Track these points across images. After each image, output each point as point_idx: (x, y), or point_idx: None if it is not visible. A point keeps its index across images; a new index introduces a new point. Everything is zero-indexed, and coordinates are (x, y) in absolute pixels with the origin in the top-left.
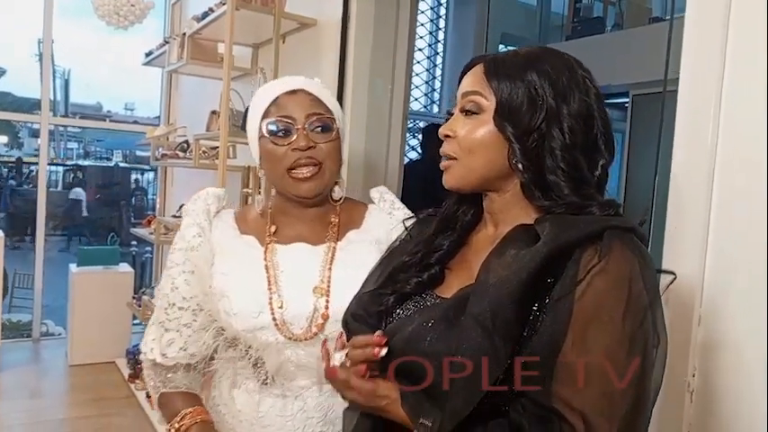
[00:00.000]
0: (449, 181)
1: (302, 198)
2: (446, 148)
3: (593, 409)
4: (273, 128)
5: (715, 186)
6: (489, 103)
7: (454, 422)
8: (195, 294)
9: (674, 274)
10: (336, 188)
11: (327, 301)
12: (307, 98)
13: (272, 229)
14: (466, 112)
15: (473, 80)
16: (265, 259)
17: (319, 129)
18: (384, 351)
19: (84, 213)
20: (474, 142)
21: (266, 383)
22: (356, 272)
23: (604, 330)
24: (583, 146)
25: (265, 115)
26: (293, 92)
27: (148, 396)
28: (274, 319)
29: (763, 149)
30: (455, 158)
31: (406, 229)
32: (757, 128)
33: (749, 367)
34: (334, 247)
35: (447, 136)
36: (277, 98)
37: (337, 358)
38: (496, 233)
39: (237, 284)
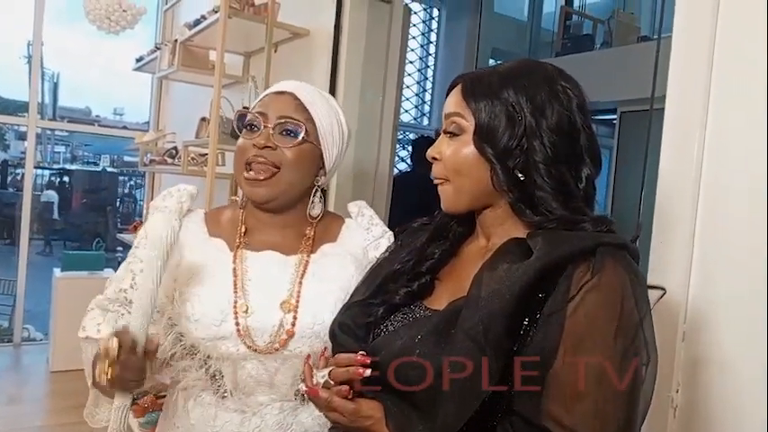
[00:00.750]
0: (445, 206)
1: (255, 203)
2: (435, 171)
3: (585, 427)
4: (245, 119)
5: (700, 204)
6: (469, 123)
7: None
8: (156, 294)
9: (663, 289)
10: (316, 205)
11: (295, 318)
12: (291, 102)
13: (243, 229)
14: (449, 134)
15: (454, 101)
16: (234, 263)
17: (284, 132)
18: (368, 372)
19: (55, 216)
20: (458, 164)
21: (224, 397)
22: (328, 286)
23: (596, 348)
24: (566, 159)
25: (250, 110)
26: (281, 93)
27: (132, 403)
28: (237, 324)
29: (749, 168)
30: (445, 179)
31: (396, 237)
32: (742, 146)
33: (732, 383)
34: (307, 260)
35: (434, 158)
36: (266, 96)
37: (319, 377)
38: (488, 245)
39: (201, 289)
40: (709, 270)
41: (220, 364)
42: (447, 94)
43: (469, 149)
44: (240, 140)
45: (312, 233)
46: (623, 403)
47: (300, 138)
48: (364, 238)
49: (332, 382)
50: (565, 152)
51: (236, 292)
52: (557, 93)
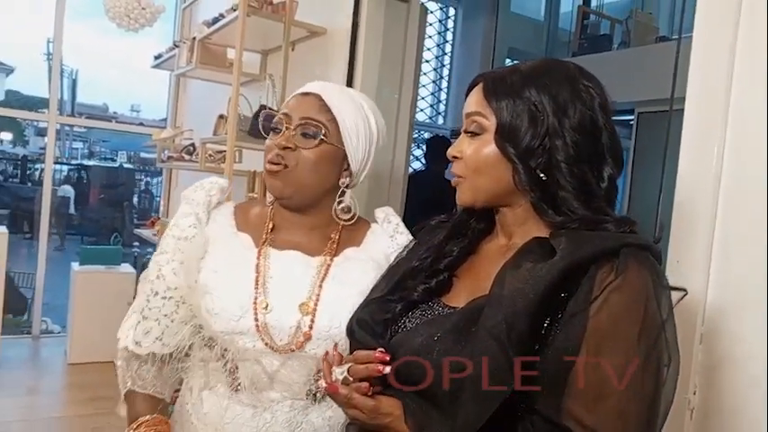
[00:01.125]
0: (460, 198)
1: (275, 198)
2: (455, 169)
3: (606, 428)
4: (269, 122)
5: (720, 205)
6: (490, 123)
7: None
8: (180, 285)
9: (685, 290)
10: (345, 206)
11: (312, 321)
12: (315, 103)
13: (270, 225)
14: (470, 133)
15: (475, 100)
16: (258, 260)
17: (303, 134)
18: (388, 369)
19: (72, 211)
20: (479, 162)
21: (237, 390)
22: (348, 290)
23: (619, 349)
24: (589, 158)
25: (260, 113)
26: (306, 94)
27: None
28: (256, 320)
29: None
30: (463, 177)
31: (414, 236)
32: (763, 148)
33: (749, 386)
34: (329, 263)
35: (455, 157)
36: (293, 97)
37: (338, 373)
38: (509, 244)
39: (223, 283)
40: (727, 272)
41: (237, 357)
42: (467, 93)
43: (491, 149)
44: (267, 141)
45: (337, 236)
46: (645, 404)
47: (318, 140)
48: (388, 245)
49: (351, 379)
50: (587, 152)
51: (257, 288)
52: (579, 92)
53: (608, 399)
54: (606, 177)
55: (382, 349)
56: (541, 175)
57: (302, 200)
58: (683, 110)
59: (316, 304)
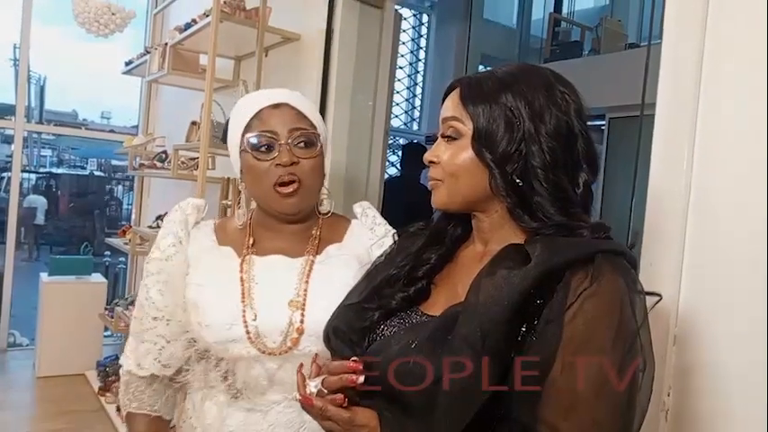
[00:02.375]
0: (435, 201)
1: (285, 214)
2: (432, 173)
3: None
4: (255, 142)
5: (690, 210)
6: (467, 128)
7: None
8: (168, 305)
9: (659, 295)
10: (325, 201)
11: (303, 315)
12: (290, 112)
13: (251, 241)
14: (447, 138)
15: (452, 105)
16: (241, 271)
17: (302, 144)
18: (362, 378)
19: (41, 222)
20: (456, 167)
21: (236, 397)
22: (333, 286)
23: (594, 356)
24: (564, 164)
25: (247, 129)
26: (276, 105)
27: (119, 409)
28: (248, 331)
29: (739, 174)
30: (440, 180)
31: (395, 242)
32: (732, 152)
33: (721, 386)
34: (312, 261)
35: (432, 162)
36: (260, 111)
37: (312, 386)
38: (485, 251)
39: (211, 296)
40: (699, 275)
41: (232, 365)
42: (444, 98)
43: (467, 154)
44: (253, 161)
45: (318, 233)
46: (620, 412)
47: (318, 147)
48: (368, 237)
49: (325, 391)
50: (563, 158)
51: (243, 300)
52: (555, 98)
53: (582, 406)
54: (581, 183)
55: (355, 358)
56: (517, 180)
57: (308, 209)
58: (653, 115)
59: (304, 299)
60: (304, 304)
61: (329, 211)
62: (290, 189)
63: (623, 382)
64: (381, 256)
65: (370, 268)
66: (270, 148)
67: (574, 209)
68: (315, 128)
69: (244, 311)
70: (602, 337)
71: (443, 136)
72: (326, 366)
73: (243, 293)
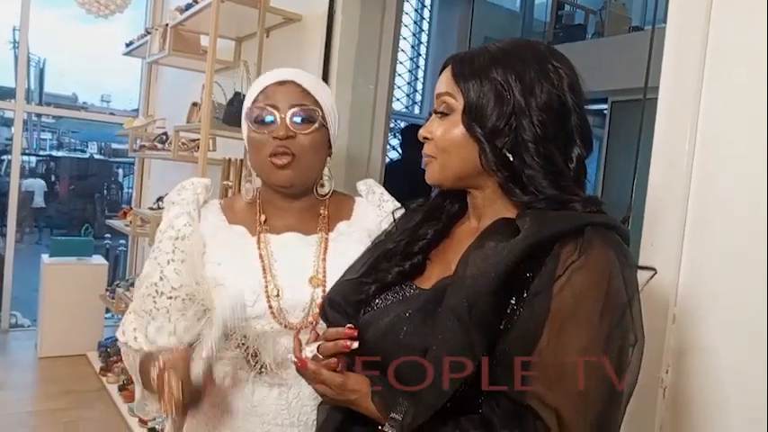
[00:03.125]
0: (428, 177)
1: (279, 187)
2: (426, 150)
3: (568, 407)
4: (256, 114)
5: (692, 191)
6: (458, 103)
7: (426, 415)
8: (185, 284)
9: (654, 270)
10: (326, 183)
11: (324, 291)
12: (295, 89)
13: (263, 218)
14: (440, 114)
15: (444, 81)
16: (259, 248)
17: (300, 120)
18: (356, 344)
19: (41, 204)
20: (447, 142)
21: (261, 372)
22: (349, 262)
23: (581, 328)
24: (555, 138)
25: (253, 103)
26: (282, 82)
27: (120, 389)
28: (270, 307)
29: (740, 157)
30: (433, 157)
31: (395, 219)
32: (734, 136)
33: (721, 365)
34: (326, 238)
35: (426, 138)
36: (266, 87)
37: (308, 351)
38: (479, 226)
39: (232, 273)
40: (699, 254)
41: (257, 341)
42: (440, 75)
43: (458, 129)
44: (253, 134)
45: (326, 212)
46: (607, 384)
47: (318, 123)
48: (377, 214)
49: (321, 356)
50: (554, 131)
51: (265, 276)
52: (547, 72)
53: (569, 378)
54: (575, 158)
55: (351, 325)
56: (508, 154)
57: (305, 185)
58: (655, 99)
59: (324, 276)
60: (324, 281)
61: (328, 193)
62: (283, 161)
63: (610, 354)
64: (382, 233)
65: (370, 245)
66: (267, 121)
67: (566, 182)
68: (319, 106)
69: (266, 288)
70: (590, 309)
71: (436, 112)
72: (323, 333)
73: (264, 270)
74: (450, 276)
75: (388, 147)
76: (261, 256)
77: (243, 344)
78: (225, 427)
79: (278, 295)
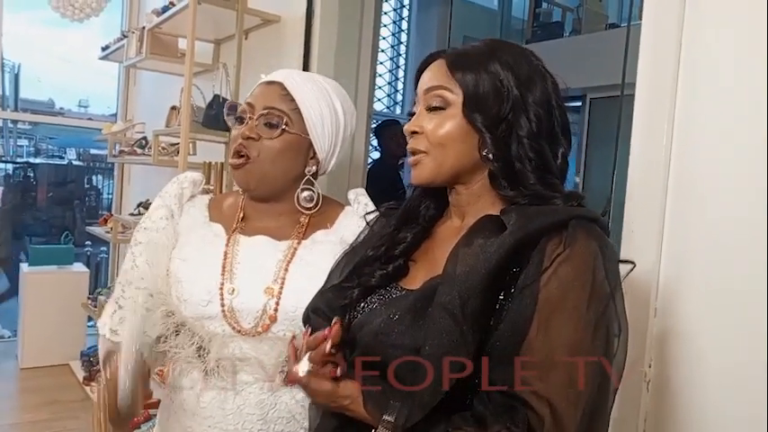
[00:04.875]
0: (420, 176)
1: (240, 187)
2: (415, 144)
3: (559, 396)
4: (234, 112)
5: (670, 185)
6: (455, 96)
7: (421, 414)
8: (153, 275)
9: (633, 263)
10: (306, 194)
11: (277, 304)
12: (278, 92)
13: (241, 215)
14: (431, 109)
15: (436, 75)
16: (226, 247)
17: (264, 123)
18: (328, 345)
19: None
20: (444, 136)
21: (209, 374)
22: (313, 272)
23: (569, 318)
24: (547, 134)
25: (224, 103)
26: (270, 83)
27: None
28: (223, 305)
29: (716, 149)
30: (425, 153)
31: (368, 223)
32: (710, 129)
33: (703, 358)
34: (296, 246)
35: (415, 132)
36: (258, 85)
37: (302, 368)
38: (462, 225)
39: (192, 271)
40: (678, 249)
41: (206, 342)
42: (419, 73)
43: (455, 122)
44: (233, 132)
45: (306, 220)
46: (597, 372)
47: (280, 129)
48: (358, 225)
49: (316, 367)
50: (546, 128)
51: (223, 274)
52: (537, 70)
53: (560, 368)
54: (560, 154)
55: (337, 318)
56: (511, 145)
57: (267, 190)
58: (633, 95)
59: (281, 287)
60: (280, 292)
61: (313, 203)
62: (236, 161)
63: (598, 343)
64: (357, 238)
65: (347, 250)
66: (241, 120)
67: (551, 178)
68: (298, 112)
69: (222, 288)
70: (577, 298)
71: (429, 108)
72: (306, 343)
73: (223, 269)
74: (438, 276)
75: (371, 147)
76: (225, 254)
77: (192, 341)
78: (177, 423)
79: (232, 293)
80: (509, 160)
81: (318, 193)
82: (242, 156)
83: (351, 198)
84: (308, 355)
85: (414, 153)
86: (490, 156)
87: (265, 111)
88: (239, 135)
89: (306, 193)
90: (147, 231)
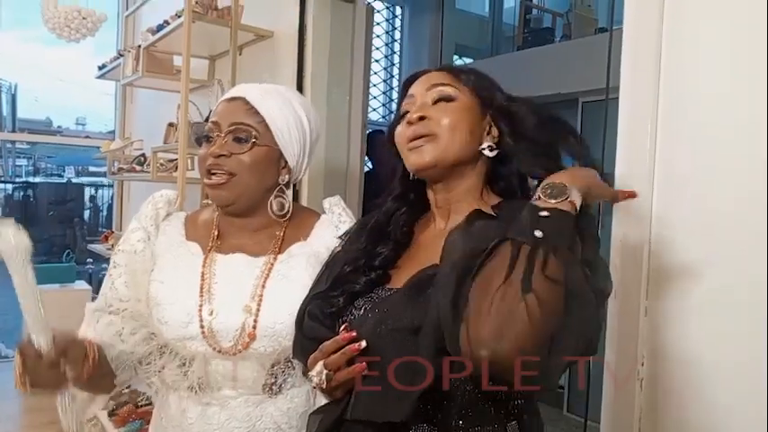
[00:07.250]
0: (424, 158)
1: (219, 206)
2: (421, 129)
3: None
4: (200, 132)
5: (655, 182)
6: (461, 93)
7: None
8: (131, 298)
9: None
10: (277, 201)
11: (255, 321)
12: (242, 107)
13: (216, 233)
14: (438, 101)
15: (439, 77)
16: (203, 267)
17: (233, 139)
18: (364, 343)
19: None
20: (455, 121)
21: (194, 391)
22: (291, 286)
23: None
24: (537, 138)
25: (207, 120)
26: (233, 99)
27: (109, 415)
28: (202, 327)
29: (700, 152)
30: (431, 136)
31: (345, 234)
32: (693, 131)
33: (692, 356)
34: (272, 262)
35: (422, 117)
36: (218, 104)
37: (315, 376)
38: (446, 228)
39: (171, 293)
40: (666, 252)
41: (189, 362)
42: (406, 87)
43: (466, 112)
44: (201, 150)
45: (282, 233)
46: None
47: (251, 143)
48: (333, 234)
49: (332, 373)
50: (531, 135)
51: (201, 295)
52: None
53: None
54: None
55: (345, 325)
56: (508, 139)
57: (245, 204)
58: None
59: (259, 304)
60: (258, 309)
61: (286, 213)
62: (213, 180)
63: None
64: (338, 246)
65: (329, 259)
66: (209, 139)
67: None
68: (265, 124)
69: (200, 310)
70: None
71: (435, 101)
72: (320, 351)
73: (201, 291)
74: (431, 266)
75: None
76: (203, 274)
77: (175, 360)
78: None
79: (211, 315)
80: (506, 153)
81: (290, 202)
82: (216, 174)
83: (326, 207)
84: (321, 363)
85: (416, 138)
86: (496, 138)
87: (232, 127)
88: (209, 154)
89: (278, 200)
90: (125, 254)
